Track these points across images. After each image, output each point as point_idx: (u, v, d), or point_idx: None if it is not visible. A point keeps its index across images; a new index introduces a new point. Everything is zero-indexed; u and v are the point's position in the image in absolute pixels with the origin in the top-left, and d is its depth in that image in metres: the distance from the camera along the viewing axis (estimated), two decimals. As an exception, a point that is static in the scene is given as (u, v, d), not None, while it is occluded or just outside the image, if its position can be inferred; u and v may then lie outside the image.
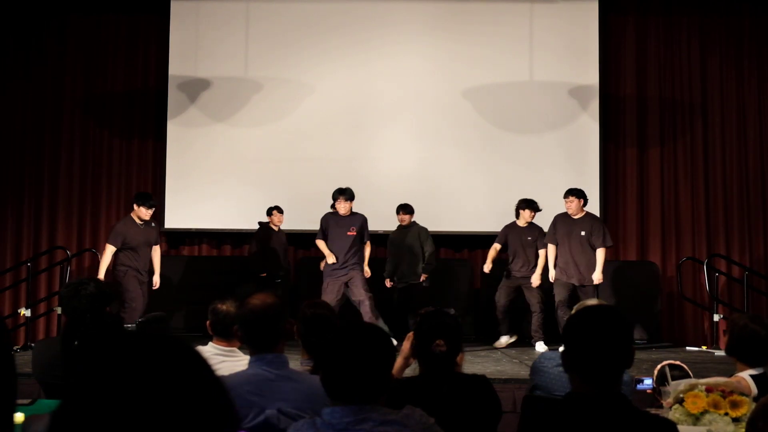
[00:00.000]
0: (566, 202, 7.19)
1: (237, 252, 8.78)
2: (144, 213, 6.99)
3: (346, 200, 7.19)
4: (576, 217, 7.20)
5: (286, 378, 2.46)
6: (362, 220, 7.28)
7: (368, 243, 7.35)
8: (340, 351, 1.96)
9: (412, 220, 7.57)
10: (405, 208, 7.56)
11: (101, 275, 6.76)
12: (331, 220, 7.26)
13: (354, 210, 7.32)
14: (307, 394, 2.08)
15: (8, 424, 1.25)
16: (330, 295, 6.92)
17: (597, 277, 7.06)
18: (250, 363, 2.55)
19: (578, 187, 7.37)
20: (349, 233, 7.16)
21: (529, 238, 7.46)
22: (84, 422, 0.86)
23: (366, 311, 6.97)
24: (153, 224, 7.22)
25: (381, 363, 1.96)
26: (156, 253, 7.24)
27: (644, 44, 8.90)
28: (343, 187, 7.24)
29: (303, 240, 8.38)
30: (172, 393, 0.88)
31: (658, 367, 3.22)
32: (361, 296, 7.03)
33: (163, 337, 0.95)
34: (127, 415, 0.85)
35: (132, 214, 7.06)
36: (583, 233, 7.14)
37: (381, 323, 6.78)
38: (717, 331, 7.98)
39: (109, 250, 6.94)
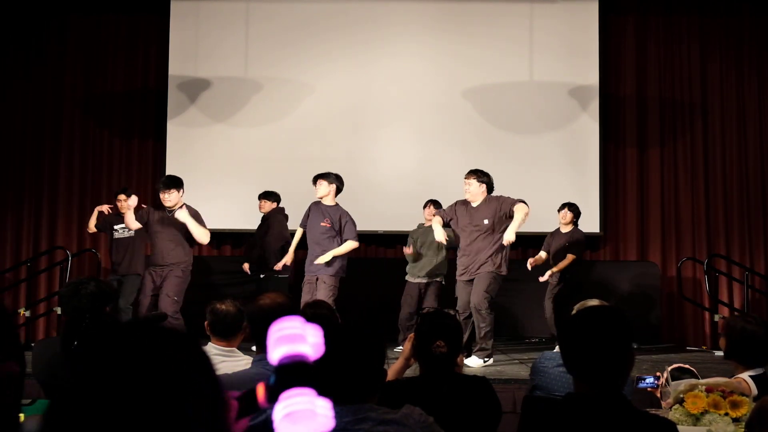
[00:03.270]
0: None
1: (237, 252, 8.77)
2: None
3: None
4: None
5: None
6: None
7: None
8: (328, 352, 1.96)
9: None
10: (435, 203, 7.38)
11: None
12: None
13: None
14: (310, 397, 2.07)
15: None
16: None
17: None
18: (254, 362, 2.56)
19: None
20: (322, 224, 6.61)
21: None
22: (75, 417, 0.86)
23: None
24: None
25: (370, 360, 1.96)
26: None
27: (644, 44, 8.89)
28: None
29: (302, 240, 8.36)
30: (167, 384, 0.88)
31: (668, 369, 3.21)
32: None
33: (162, 329, 0.94)
34: (119, 406, 0.85)
35: None
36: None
37: None
38: (717, 331, 7.98)
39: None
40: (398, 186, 8.32)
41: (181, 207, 6.33)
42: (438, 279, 7.28)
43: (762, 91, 8.80)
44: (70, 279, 7.82)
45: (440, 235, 6.28)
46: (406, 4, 8.79)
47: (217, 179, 8.55)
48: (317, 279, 6.55)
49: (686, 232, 8.73)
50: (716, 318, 8.02)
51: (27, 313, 7.73)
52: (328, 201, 6.67)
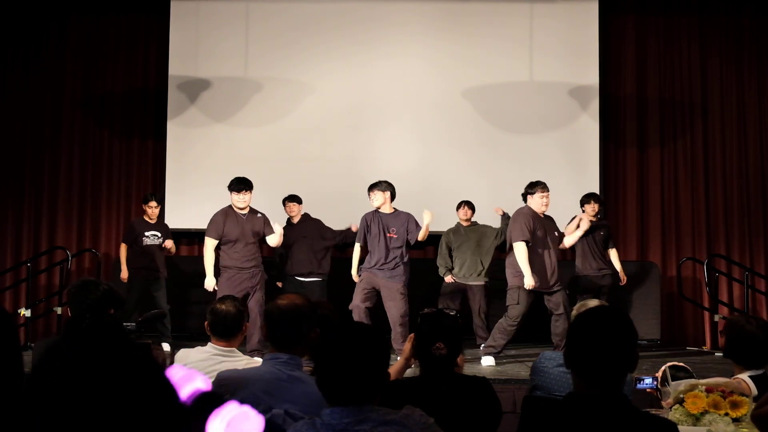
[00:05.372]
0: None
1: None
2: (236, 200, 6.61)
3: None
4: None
5: (297, 380, 2.46)
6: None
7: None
8: (333, 352, 1.96)
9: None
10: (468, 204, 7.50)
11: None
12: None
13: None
14: (316, 400, 2.07)
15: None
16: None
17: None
18: (265, 360, 2.57)
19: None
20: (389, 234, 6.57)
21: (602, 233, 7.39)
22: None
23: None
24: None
25: (374, 362, 1.96)
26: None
27: (644, 44, 8.89)
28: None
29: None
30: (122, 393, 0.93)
31: (663, 368, 3.20)
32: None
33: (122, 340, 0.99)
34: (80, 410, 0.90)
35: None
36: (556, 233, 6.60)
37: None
38: (717, 331, 7.98)
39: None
40: (398, 186, 8.27)
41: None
42: (481, 282, 7.26)
43: (762, 91, 8.80)
44: (69, 279, 7.83)
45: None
46: (405, 4, 8.79)
47: (217, 179, 8.50)
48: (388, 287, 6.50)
49: (686, 232, 8.73)
50: (716, 318, 8.03)
51: (27, 313, 7.72)
52: (387, 209, 6.67)
